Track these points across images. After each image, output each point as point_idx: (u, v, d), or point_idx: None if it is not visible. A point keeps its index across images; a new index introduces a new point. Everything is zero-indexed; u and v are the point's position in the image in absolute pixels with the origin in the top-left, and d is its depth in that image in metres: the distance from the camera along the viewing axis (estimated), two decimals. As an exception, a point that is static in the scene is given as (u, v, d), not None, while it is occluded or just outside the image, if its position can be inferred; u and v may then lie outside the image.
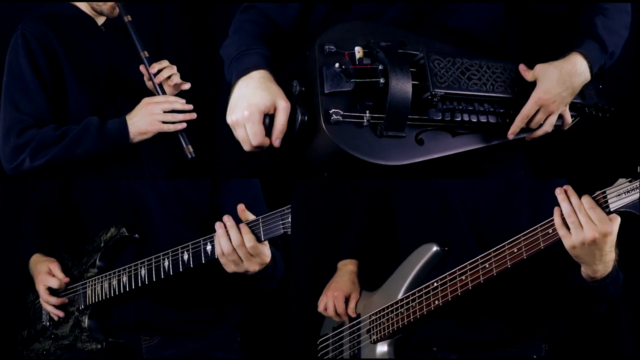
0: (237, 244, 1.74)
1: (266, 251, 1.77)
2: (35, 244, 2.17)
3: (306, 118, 1.73)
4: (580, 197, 1.60)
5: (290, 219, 1.72)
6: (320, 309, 2.13)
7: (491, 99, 1.85)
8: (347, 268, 2.16)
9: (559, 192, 1.62)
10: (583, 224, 1.58)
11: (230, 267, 1.78)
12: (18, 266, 2.18)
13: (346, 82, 1.72)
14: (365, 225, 2.23)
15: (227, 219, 1.76)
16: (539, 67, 1.85)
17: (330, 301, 2.09)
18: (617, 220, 1.58)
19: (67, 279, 2.06)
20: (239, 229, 1.74)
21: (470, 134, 1.86)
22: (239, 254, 1.75)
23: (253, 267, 1.76)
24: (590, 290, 1.70)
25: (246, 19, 1.95)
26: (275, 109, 1.72)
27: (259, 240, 1.74)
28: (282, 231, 1.72)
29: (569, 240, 1.60)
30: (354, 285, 2.11)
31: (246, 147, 1.76)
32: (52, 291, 2.07)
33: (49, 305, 2.07)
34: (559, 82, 1.83)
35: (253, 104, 1.71)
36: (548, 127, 1.89)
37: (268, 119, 1.73)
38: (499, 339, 1.88)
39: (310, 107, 1.74)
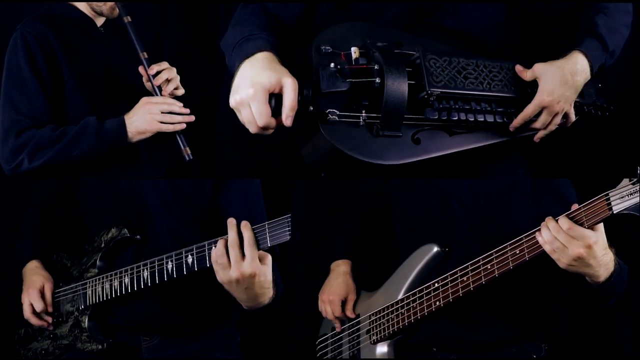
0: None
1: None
2: (33, 246, 2.17)
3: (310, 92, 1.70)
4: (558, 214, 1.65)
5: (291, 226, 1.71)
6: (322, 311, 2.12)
7: (488, 97, 1.84)
8: (340, 269, 2.14)
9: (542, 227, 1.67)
10: (566, 244, 1.61)
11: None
12: (17, 266, 2.18)
13: (342, 82, 1.71)
14: (359, 226, 2.22)
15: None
16: (539, 67, 1.83)
17: (326, 306, 2.09)
18: (601, 227, 1.61)
19: (50, 309, 2.07)
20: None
21: (467, 133, 1.85)
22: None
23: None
24: (599, 292, 1.71)
25: (248, 13, 1.91)
26: (281, 88, 1.66)
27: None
28: (288, 237, 1.70)
29: (561, 263, 1.65)
30: (348, 287, 2.10)
31: (252, 129, 1.69)
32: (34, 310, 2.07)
33: (30, 320, 2.07)
34: (561, 83, 1.81)
35: (257, 82, 1.65)
36: (553, 126, 1.88)
37: (274, 100, 1.68)
38: (499, 339, 1.88)
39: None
